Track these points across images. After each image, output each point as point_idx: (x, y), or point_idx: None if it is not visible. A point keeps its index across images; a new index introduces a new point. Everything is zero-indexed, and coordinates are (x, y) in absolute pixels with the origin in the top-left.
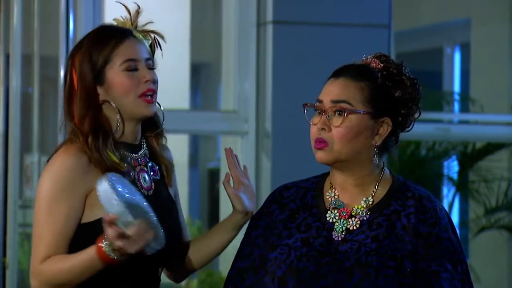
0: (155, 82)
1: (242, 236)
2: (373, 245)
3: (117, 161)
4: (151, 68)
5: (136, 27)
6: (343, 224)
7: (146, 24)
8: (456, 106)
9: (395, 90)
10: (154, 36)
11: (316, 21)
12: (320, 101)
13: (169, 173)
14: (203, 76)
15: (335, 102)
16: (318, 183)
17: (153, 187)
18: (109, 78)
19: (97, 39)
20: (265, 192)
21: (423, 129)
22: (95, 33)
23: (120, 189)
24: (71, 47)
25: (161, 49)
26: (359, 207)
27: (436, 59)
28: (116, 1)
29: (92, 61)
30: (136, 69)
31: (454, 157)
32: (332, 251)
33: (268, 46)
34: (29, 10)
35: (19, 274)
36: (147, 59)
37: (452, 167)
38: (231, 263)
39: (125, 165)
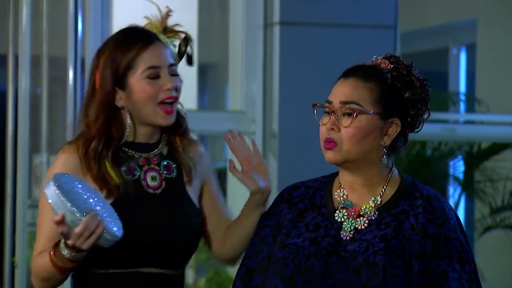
0: (177, 89)
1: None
2: (381, 244)
3: (112, 174)
4: (174, 74)
5: (165, 28)
6: (351, 224)
7: (175, 25)
8: (462, 106)
9: (404, 91)
10: (185, 35)
11: (323, 22)
12: (330, 102)
13: (190, 172)
14: (210, 76)
15: (345, 103)
16: (327, 182)
17: (163, 186)
18: (130, 84)
19: (122, 42)
20: (272, 192)
21: (429, 129)
22: (120, 35)
23: (66, 189)
24: (79, 48)
25: (191, 47)
26: (368, 206)
27: (442, 59)
28: (148, 0)
29: (115, 65)
30: (158, 77)
31: (459, 157)
32: (340, 250)
33: (275, 47)
34: (38, 11)
35: (28, 273)
36: (170, 65)
37: (457, 167)
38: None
39: (119, 178)
